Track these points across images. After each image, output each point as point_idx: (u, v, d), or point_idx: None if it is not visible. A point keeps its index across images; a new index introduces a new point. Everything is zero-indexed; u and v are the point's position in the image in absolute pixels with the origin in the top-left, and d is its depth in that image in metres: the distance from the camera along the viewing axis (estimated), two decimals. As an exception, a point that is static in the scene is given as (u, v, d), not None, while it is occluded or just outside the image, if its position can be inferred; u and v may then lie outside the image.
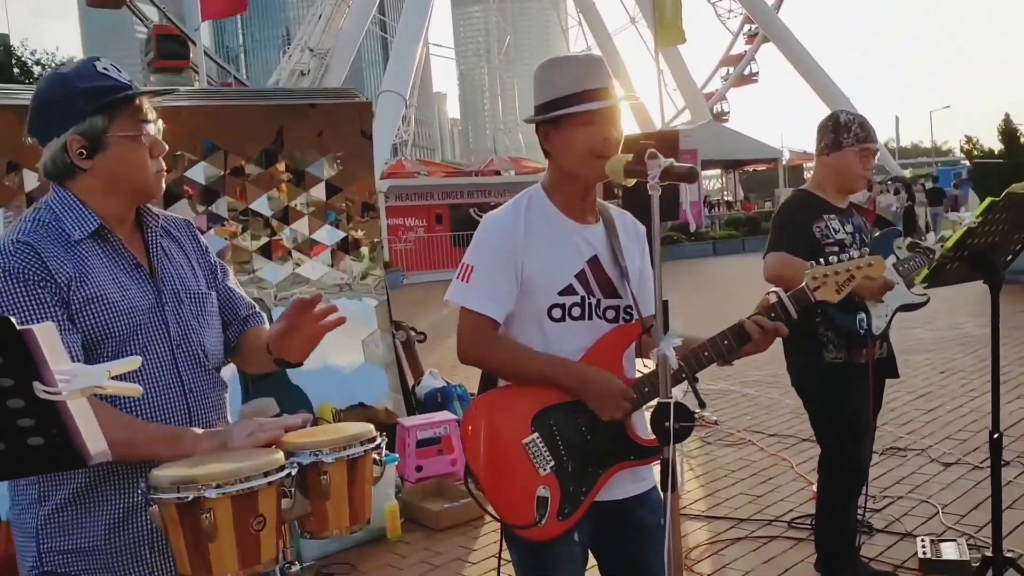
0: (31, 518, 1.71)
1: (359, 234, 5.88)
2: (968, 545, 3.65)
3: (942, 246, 2.88)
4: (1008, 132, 20.72)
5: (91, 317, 1.68)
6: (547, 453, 2.01)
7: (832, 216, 3.26)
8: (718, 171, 48.24)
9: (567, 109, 2.01)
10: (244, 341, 1.99)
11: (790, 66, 52.32)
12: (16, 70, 24.97)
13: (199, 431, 1.75)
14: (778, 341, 2.09)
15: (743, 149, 40.68)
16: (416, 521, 4.52)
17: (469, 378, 8.12)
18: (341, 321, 1.80)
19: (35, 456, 1.15)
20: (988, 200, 2.72)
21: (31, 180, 4.66)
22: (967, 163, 43.46)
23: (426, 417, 5.36)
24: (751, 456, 5.32)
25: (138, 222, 1.86)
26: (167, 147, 1.78)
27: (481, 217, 2.25)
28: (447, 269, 24.22)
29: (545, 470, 2.00)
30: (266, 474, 1.57)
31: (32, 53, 25.82)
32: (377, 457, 1.82)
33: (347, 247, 5.86)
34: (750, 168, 48.46)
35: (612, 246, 2.13)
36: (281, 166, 5.51)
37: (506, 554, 2.14)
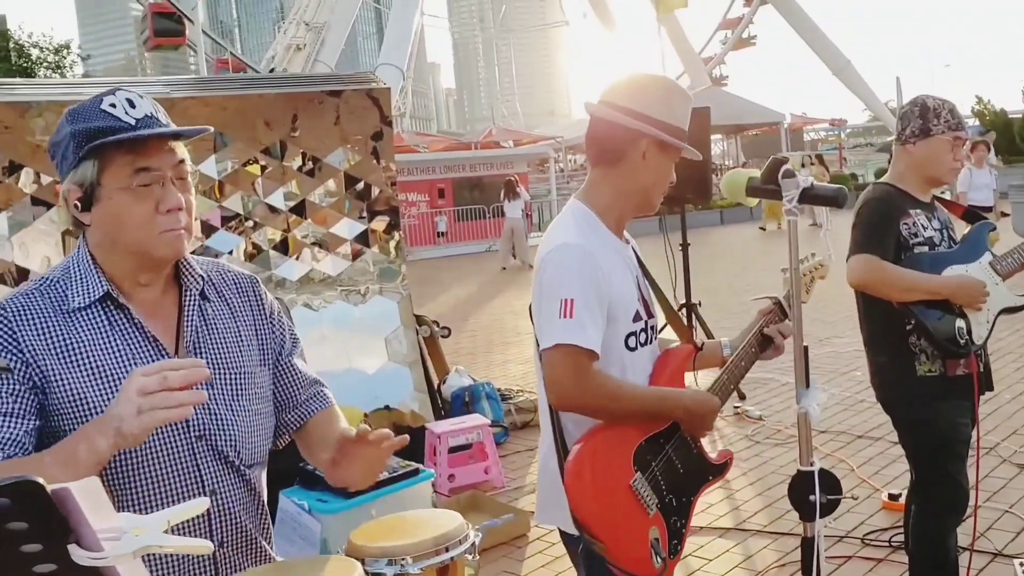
0: None
1: (380, 227, 5.54)
2: (1071, 568, 3.35)
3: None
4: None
5: (78, 399, 1.39)
6: (651, 491, 1.91)
7: (919, 211, 2.92)
8: (719, 136, 47.70)
9: (686, 146, 1.93)
10: (309, 431, 1.68)
11: (789, 28, 51.64)
12: (14, 55, 24.37)
13: (85, 431, 1.32)
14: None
15: (744, 113, 40.14)
16: (456, 540, 4.21)
17: (490, 372, 7.85)
18: (404, 442, 1.51)
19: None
20: None
21: (33, 181, 4.31)
22: (976, 123, 42.98)
23: (457, 422, 5.04)
24: (805, 457, 5.01)
25: (179, 280, 1.54)
26: (182, 201, 1.44)
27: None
28: (451, 244, 23.94)
29: (652, 510, 1.90)
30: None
31: (29, 36, 25.15)
32: (471, 557, 1.51)
33: (367, 241, 5.52)
34: (751, 132, 48.01)
35: (641, 263, 2.10)
36: (297, 157, 5.16)
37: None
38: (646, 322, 2.01)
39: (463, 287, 15.48)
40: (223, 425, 1.50)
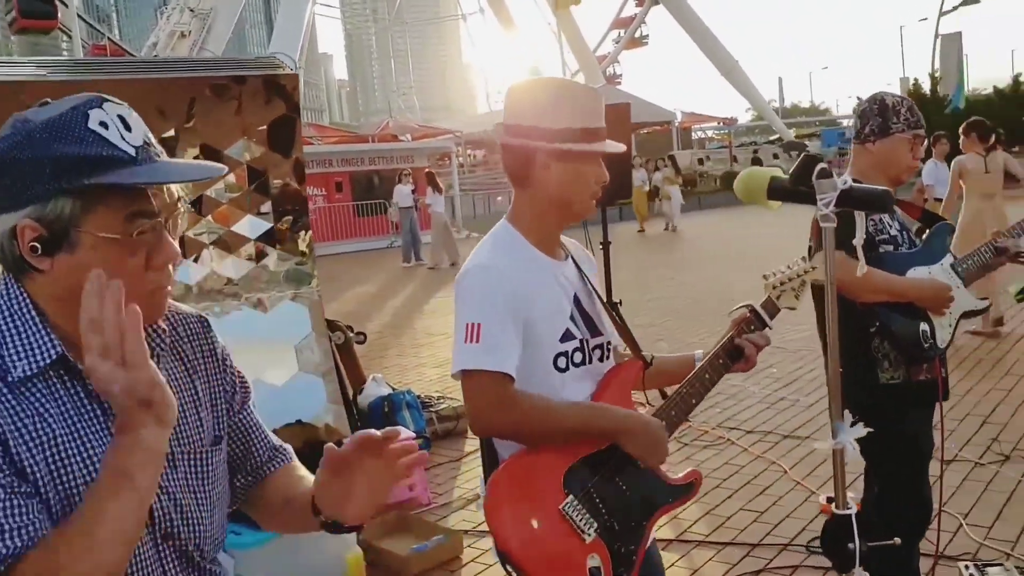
0: None
1: (287, 224, 5.12)
2: (1018, 569, 3.31)
3: None
4: (916, 96, 21.27)
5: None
6: (588, 515, 1.78)
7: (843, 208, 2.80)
8: (613, 134, 48.27)
9: (592, 146, 1.82)
10: (262, 491, 1.36)
11: (680, 28, 52.84)
12: None
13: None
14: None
15: (637, 112, 40.68)
16: (380, 566, 3.89)
17: (404, 377, 7.50)
18: (423, 459, 1.21)
19: None
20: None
21: None
22: (852, 123, 44.93)
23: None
24: (736, 460, 4.90)
25: None
26: (179, 253, 1.15)
27: None
28: (351, 239, 23.33)
29: (590, 535, 1.77)
30: None
31: None
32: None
33: (273, 240, 5.10)
34: (644, 131, 48.97)
35: (585, 280, 1.98)
36: (193, 149, 4.70)
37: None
38: (583, 341, 1.90)
39: (365, 285, 15.01)
40: (189, 520, 1.19)
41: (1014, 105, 26.99)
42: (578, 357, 1.90)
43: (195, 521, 1.19)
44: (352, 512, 1.20)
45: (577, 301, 1.93)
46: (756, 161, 34.40)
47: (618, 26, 62.98)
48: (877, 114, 2.78)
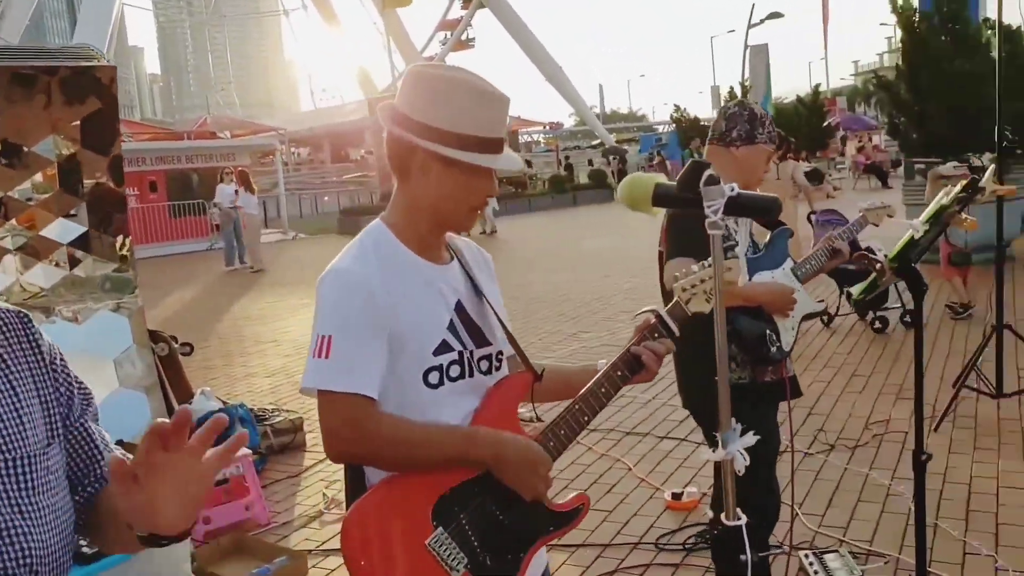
0: None
1: (103, 227, 4.69)
2: (851, 554, 3.50)
3: (886, 256, 2.58)
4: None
5: None
6: (457, 549, 1.63)
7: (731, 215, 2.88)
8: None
9: (482, 158, 1.62)
10: (99, 507, 1.17)
11: (505, 32, 53.79)
12: None
13: None
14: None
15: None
16: (219, 594, 3.62)
17: (233, 389, 7.10)
18: (242, 442, 1.04)
19: None
20: (939, 205, 2.44)
21: None
22: (667, 129, 47.48)
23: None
24: (582, 459, 4.94)
25: None
26: None
27: None
28: (167, 242, 22.04)
29: (457, 572, 1.62)
30: None
31: None
32: None
33: (88, 244, 4.65)
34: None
35: (473, 285, 1.80)
36: (-8, 144, 4.20)
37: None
38: (463, 353, 1.72)
39: (185, 291, 14.20)
40: (11, 537, 1.00)
41: (815, 114, 29.39)
42: (455, 371, 1.71)
43: (20, 538, 1.01)
44: (165, 521, 1.01)
45: (460, 309, 1.75)
46: (568, 167, 35.45)
47: (444, 28, 63.24)
48: (747, 121, 2.86)
